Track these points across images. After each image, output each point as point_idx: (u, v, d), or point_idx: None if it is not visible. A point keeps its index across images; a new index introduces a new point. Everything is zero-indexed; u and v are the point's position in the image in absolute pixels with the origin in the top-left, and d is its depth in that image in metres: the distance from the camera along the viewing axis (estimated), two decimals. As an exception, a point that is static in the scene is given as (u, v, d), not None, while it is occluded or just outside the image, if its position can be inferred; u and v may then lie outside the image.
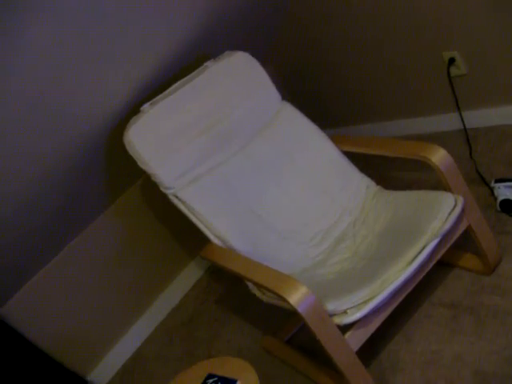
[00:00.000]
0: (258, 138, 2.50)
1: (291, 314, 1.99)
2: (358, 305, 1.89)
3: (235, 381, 1.86)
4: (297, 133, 2.53)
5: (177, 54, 2.46)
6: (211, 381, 1.91)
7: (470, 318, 2.16)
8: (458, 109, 3.00)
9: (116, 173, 2.68)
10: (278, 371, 2.41)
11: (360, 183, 2.48)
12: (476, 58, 2.76)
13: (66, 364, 2.77)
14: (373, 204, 2.41)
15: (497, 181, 2.52)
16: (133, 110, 2.38)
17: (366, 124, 3.49)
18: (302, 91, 3.58)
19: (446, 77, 2.92)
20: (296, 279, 1.87)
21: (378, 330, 2.00)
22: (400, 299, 2.03)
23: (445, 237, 2.09)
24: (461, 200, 2.10)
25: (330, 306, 1.88)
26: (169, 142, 2.32)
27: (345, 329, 1.92)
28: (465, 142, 2.97)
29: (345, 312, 1.88)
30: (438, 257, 2.12)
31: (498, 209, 2.48)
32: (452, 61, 2.83)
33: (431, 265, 2.10)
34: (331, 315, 1.89)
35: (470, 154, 2.88)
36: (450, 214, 2.06)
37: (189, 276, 3.21)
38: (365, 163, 2.63)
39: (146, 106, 2.35)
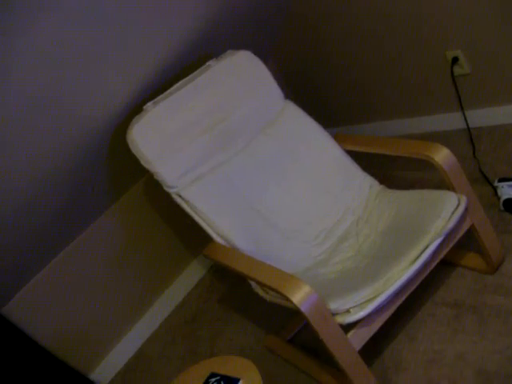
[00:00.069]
0: (261, 136, 2.50)
1: (294, 313, 1.99)
2: (360, 304, 1.89)
3: (238, 380, 1.86)
4: (300, 132, 2.53)
5: (179, 53, 2.46)
6: (214, 380, 1.91)
7: (472, 317, 2.16)
8: (462, 108, 2.99)
9: (119, 171, 2.68)
10: (281, 370, 2.41)
11: (363, 182, 2.48)
12: (479, 58, 2.76)
13: (69, 362, 2.78)
14: (376, 203, 2.41)
15: (500, 180, 2.52)
16: (136, 109, 2.38)
17: (369, 123, 3.48)
18: (304, 90, 3.58)
19: (450, 76, 2.91)
20: (299, 278, 1.87)
21: (381, 329, 2.00)
22: (403, 298, 2.03)
23: (448, 236, 2.08)
24: (464, 199, 2.10)
25: (333, 305, 1.88)
26: (172, 141, 2.32)
27: (347, 328, 1.92)
28: (468, 142, 2.97)
29: (348, 311, 1.88)
30: (441, 256, 2.11)
31: (502, 208, 2.48)
32: (455, 60, 2.83)
33: (434, 264, 2.10)
34: (334, 314, 1.89)
35: (474, 153, 2.88)
36: (453, 213, 2.06)
37: (191, 275, 3.21)
38: (368, 162, 2.63)
39: (148, 105, 2.36)
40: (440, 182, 2.75)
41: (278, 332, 2.57)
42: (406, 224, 2.19)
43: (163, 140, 2.31)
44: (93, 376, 2.87)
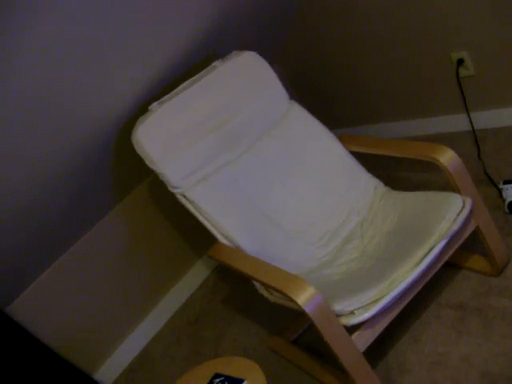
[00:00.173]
0: (266, 137, 2.50)
1: (298, 314, 1.99)
2: (365, 305, 1.89)
3: (242, 380, 1.86)
4: (305, 133, 2.52)
5: (185, 54, 2.47)
6: (218, 380, 1.91)
7: (477, 319, 2.16)
8: (467, 109, 2.99)
9: (124, 172, 2.68)
10: (285, 371, 2.41)
11: (368, 183, 2.48)
12: (485, 59, 2.75)
13: (73, 362, 2.78)
14: (381, 204, 2.40)
15: (505, 182, 2.52)
16: (141, 110, 2.39)
17: (374, 124, 3.48)
18: (309, 91, 3.58)
19: (455, 77, 2.91)
20: (304, 279, 1.87)
21: (385, 330, 2.00)
22: (407, 300, 2.03)
23: (453, 238, 2.08)
24: (469, 201, 2.10)
25: (338, 307, 1.88)
26: (177, 142, 2.32)
27: (352, 329, 1.92)
28: (473, 143, 2.96)
29: (352, 312, 1.88)
30: (446, 258, 2.11)
31: (507, 210, 2.47)
32: (461, 61, 2.82)
33: (439, 266, 2.10)
34: (338, 316, 1.89)
35: (479, 155, 2.88)
36: (458, 215, 2.06)
37: (196, 275, 3.21)
38: (373, 164, 2.63)
39: (154, 106, 2.36)
40: (445, 184, 2.75)
41: (281, 333, 2.57)
42: (411, 226, 2.19)
43: (168, 140, 2.31)
44: (97, 376, 2.87)
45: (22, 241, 2.33)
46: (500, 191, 2.54)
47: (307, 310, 1.81)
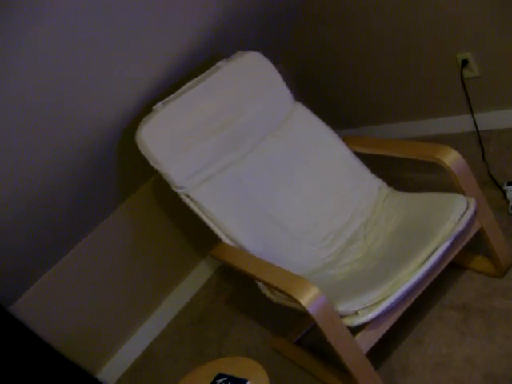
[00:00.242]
0: (270, 137, 2.50)
1: (301, 314, 1.99)
2: (368, 306, 1.88)
3: (245, 381, 1.86)
4: (309, 133, 2.52)
5: (189, 54, 2.47)
6: (221, 380, 1.91)
7: (480, 320, 2.16)
8: (471, 110, 2.98)
9: (127, 172, 2.69)
10: (288, 372, 2.41)
11: (372, 184, 2.48)
12: (489, 60, 2.75)
13: (76, 362, 2.78)
14: (384, 205, 2.40)
15: (509, 183, 2.51)
16: (145, 110, 2.39)
17: (378, 125, 3.48)
18: (314, 91, 3.58)
19: (459, 78, 2.91)
20: (307, 280, 1.87)
21: (389, 331, 2.00)
22: (411, 301, 2.03)
23: (457, 239, 2.08)
24: (473, 202, 2.09)
25: (341, 307, 1.87)
26: (181, 142, 2.33)
27: (355, 330, 1.92)
28: (477, 144, 2.96)
29: (356, 313, 1.88)
30: (450, 259, 2.11)
31: (511, 212, 2.47)
32: (465, 62, 2.82)
33: (443, 267, 2.10)
34: (342, 316, 1.89)
35: (483, 156, 2.87)
36: (462, 216, 2.05)
37: (199, 275, 3.22)
38: (376, 164, 2.62)
39: (158, 106, 2.36)
40: (449, 185, 2.73)
41: (285, 333, 2.57)
42: (415, 226, 2.19)
43: (172, 140, 2.31)
44: (100, 375, 2.88)
45: (26, 241, 2.34)
46: (504, 192, 2.54)
47: (311, 310, 1.81)
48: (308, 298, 1.82)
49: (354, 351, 1.91)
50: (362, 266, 2.22)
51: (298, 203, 2.45)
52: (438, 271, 2.09)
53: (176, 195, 2.35)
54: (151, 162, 2.30)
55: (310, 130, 2.53)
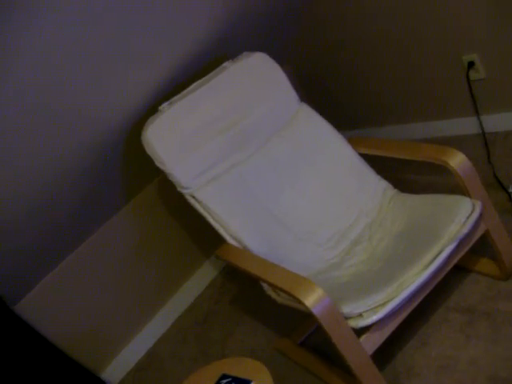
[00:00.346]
0: (275, 138, 2.50)
1: (305, 315, 1.99)
2: (373, 308, 1.88)
3: (249, 381, 1.86)
4: (314, 134, 2.52)
5: (195, 55, 2.47)
6: (225, 381, 1.91)
7: (485, 323, 2.15)
8: (477, 113, 2.98)
9: (133, 172, 2.69)
10: (292, 373, 2.41)
11: (377, 186, 2.47)
12: (495, 62, 2.74)
13: (80, 361, 2.78)
14: (390, 207, 2.40)
15: (515, 186, 2.51)
16: (151, 110, 2.39)
17: (384, 126, 3.47)
18: (319, 92, 3.58)
19: (465, 80, 2.90)
20: (312, 281, 1.87)
21: (394, 333, 2.00)
22: (416, 303, 2.02)
23: (462, 241, 2.07)
24: (479, 204, 2.09)
25: (346, 309, 1.87)
26: (187, 142, 2.33)
27: (360, 332, 1.91)
28: (483, 146, 2.95)
29: (360, 315, 1.88)
30: (455, 261, 2.11)
31: (516, 214, 2.47)
32: (471, 64, 2.81)
33: (448, 269, 2.09)
34: (346, 318, 1.88)
35: (489, 158, 2.87)
36: (467, 218, 2.05)
37: (203, 276, 3.22)
38: (382, 166, 2.62)
39: (164, 106, 2.36)
40: (454, 187, 2.73)
41: (289, 334, 2.57)
42: (420, 228, 2.18)
43: (178, 141, 2.31)
44: (104, 375, 2.88)
45: (31, 241, 2.34)
46: (510, 195, 2.53)
47: (315, 311, 1.81)
48: (312, 299, 1.81)
49: (359, 353, 1.91)
50: (367, 267, 2.21)
51: (303, 204, 2.44)
52: (443, 273, 2.08)
53: (181, 195, 2.35)
54: (157, 162, 2.30)
55: (315, 130, 2.53)
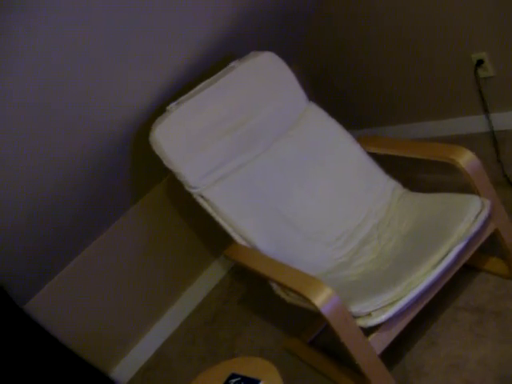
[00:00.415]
0: (283, 138, 2.50)
1: (314, 315, 1.99)
2: (382, 307, 1.88)
3: (258, 381, 1.86)
4: (323, 134, 2.52)
5: (203, 54, 2.47)
6: (234, 381, 1.91)
7: (494, 322, 2.14)
8: (486, 111, 2.97)
9: (141, 172, 2.69)
10: (301, 372, 2.40)
11: (386, 185, 2.47)
12: (504, 60, 2.73)
13: (89, 360, 2.79)
14: (398, 206, 2.39)
15: (524, 184, 2.50)
16: (159, 110, 2.39)
17: (393, 125, 3.47)
18: (327, 92, 3.57)
19: (474, 78, 2.89)
20: (321, 280, 1.87)
21: (402, 332, 1.99)
22: (425, 302, 2.02)
23: (471, 240, 2.07)
24: (488, 203, 2.08)
25: (355, 308, 1.87)
26: (195, 142, 2.33)
27: (369, 331, 1.91)
28: (492, 145, 2.94)
29: (369, 314, 1.87)
30: (464, 260, 2.10)
31: (526, 213, 2.45)
32: (480, 62, 2.80)
33: (457, 268, 2.08)
34: (355, 317, 1.88)
35: (498, 156, 2.85)
36: (476, 217, 2.04)
37: (212, 275, 3.22)
38: (391, 165, 2.61)
39: (172, 106, 2.36)
40: (463, 186, 2.72)
41: (298, 334, 2.57)
42: (429, 227, 2.18)
43: (186, 141, 2.31)
44: (113, 374, 2.88)
45: (40, 241, 2.35)
46: (519, 193, 2.52)
47: (324, 311, 1.81)
48: (321, 299, 1.81)
49: (368, 352, 1.91)
50: (376, 266, 2.21)
51: (311, 204, 2.44)
52: (452, 273, 2.07)
53: (189, 195, 2.36)
54: (165, 162, 2.31)
55: (323, 130, 2.53)
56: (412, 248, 2.15)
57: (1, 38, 1.55)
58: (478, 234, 2.09)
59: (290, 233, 2.36)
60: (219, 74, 2.49)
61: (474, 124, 3.07)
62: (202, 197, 2.32)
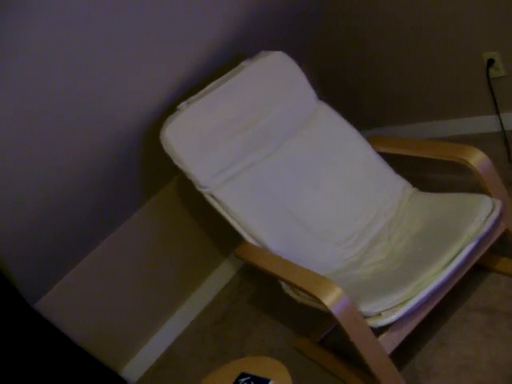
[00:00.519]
0: (294, 137, 2.50)
1: (324, 314, 1.99)
2: (392, 307, 1.88)
3: (268, 380, 1.86)
4: (333, 133, 2.52)
5: (213, 54, 2.47)
6: (244, 380, 1.91)
7: (506, 323, 2.13)
8: (497, 111, 2.96)
9: (151, 171, 2.70)
10: (310, 372, 2.40)
11: (396, 185, 2.46)
12: (516, 60, 2.73)
13: (100, 359, 2.80)
14: (409, 206, 2.39)
15: (536, 184, 2.49)
16: (169, 109, 2.40)
17: (403, 125, 3.46)
18: (338, 91, 3.57)
19: (485, 78, 2.88)
20: (331, 280, 1.86)
21: (413, 333, 1.99)
22: (435, 303, 2.01)
23: (482, 240, 2.06)
24: (499, 203, 2.07)
25: (365, 308, 1.87)
26: (205, 141, 2.33)
27: (379, 331, 1.91)
28: (503, 145, 2.93)
29: (379, 314, 1.87)
30: (475, 261, 2.09)
31: (537, 213, 2.44)
32: (491, 62, 2.79)
33: (467, 268, 2.08)
34: (365, 317, 1.88)
35: (509, 156, 2.84)
36: (487, 217, 2.04)
37: (222, 275, 3.22)
38: (401, 165, 2.61)
39: (182, 105, 2.37)
40: (474, 186, 2.71)
41: (308, 334, 2.57)
42: (439, 227, 2.17)
43: (197, 140, 2.32)
44: (123, 373, 2.89)
45: (51, 240, 2.36)
46: (530, 194, 2.51)
47: (334, 311, 1.81)
48: (331, 299, 1.81)
49: (378, 352, 1.90)
50: (386, 266, 2.21)
51: (321, 203, 2.44)
52: (463, 273, 2.07)
53: (200, 194, 2.36)
54: (175, 161, 2.31)
55: (334, 129, 2.53)
56: (422, 248, 2.15)
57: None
58: (489, 234, 2.09)
59: (300, 232, 2.36)
60: (229, 73, 2.49)
61: (485, 124, 3.06)
62: (213, 196, 2.32)
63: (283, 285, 2.26)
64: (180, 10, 2.08)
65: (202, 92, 2.42)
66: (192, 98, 2.40)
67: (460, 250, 1.98)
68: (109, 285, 2.83)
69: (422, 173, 3.09)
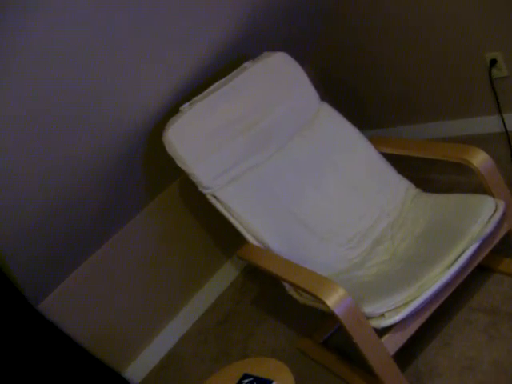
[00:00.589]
0: (296, 138, 2.50)
1: (327, 315, 1.99)
2: (395, 308, 1.87)
3: (271, 381, 1.86)
4: (335, 134, 2.52)
5: (216, 55, 2.47)
6: (247, 381, 1.91)
7: (509, 324, 2.13)
8: (500, 111, 2.95)
9: (154, 172, 2.70)
10: (313, 373, 2.40)
11: (399, 185, 2.46)
12: (519, 60, 2.72)
13: (103, 360, 2.80)
14: (411, 206, 2.39)
15: (539, 185, 2.48)
16: (172, 110, 2.40)
17: (405, 126, 3.46)
18: (340, 92, 3.57)
19: (488, 78, 2.88)
20: (334, 281, 1.86)
21: (416, 333, 1.99)
22: (438, 303, 2.01)
23: (485, 241, 2.06)
24: (502, 204, 2.07)
25: (368, 309, 1.87)
26: (208, 142, 2.33)
27: (382, 332, 1.91)
28: (506, 145, 2.93)
29: (382, 315, 1.87)
30: (478, 261, 2.09)
31: (540, 213, 2.44)
32: (494, 62, 2.79)
33: (470, 269, 2.08)
34: (368, 318, 1.88)
35: (511, 157, 2.84)
36: (490, 218, 2.03)
37: (225, 276, 3.22)
38: (404, 165, 2.61)
39: (185, 106, 2.37)
40: (477, 186, 2.71)
41: (311, 334, 2.57)
42: (442, 228, 2.17)
43: (199, 141, 2.32)
44: (126, 374, 2.89)
45: (54, 241, 2.36)
46: (533, 194, 2.50)
47: (337, 311, 1.81)
48: (334, 300, 1.81)
49: (381, 353, 1.90)
50: (389, 267, 2.20)
51: (324, 204, 2.44)
52: (466, 274, 2.07)
53: (202, 195, 2.36)
54: (178, 163, 2.31)
55: (336, 130, 2.53)
56: (425, 249, 2.14)
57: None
58: (492, 234, 2.08)
59: (303, 233, 2.36)
60: (232, 74, 2.49)
61: (488, 124, 3.06)
62: (215, 197, 2.32)
63: (286, 286, 2.26)
64: (183, 10, 2.09)
65: (204, 93, 2.42)
66: (195, 99, 2.40)
67: (463, 251, 1.98)
68: (112, 286, 2.84)
69: (425, 173, 3.09)
